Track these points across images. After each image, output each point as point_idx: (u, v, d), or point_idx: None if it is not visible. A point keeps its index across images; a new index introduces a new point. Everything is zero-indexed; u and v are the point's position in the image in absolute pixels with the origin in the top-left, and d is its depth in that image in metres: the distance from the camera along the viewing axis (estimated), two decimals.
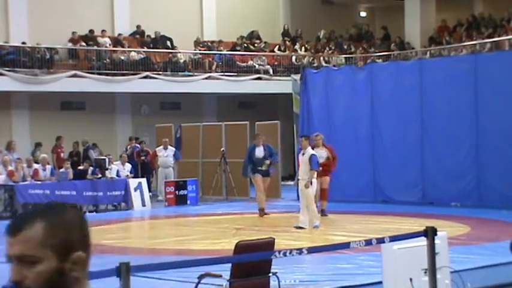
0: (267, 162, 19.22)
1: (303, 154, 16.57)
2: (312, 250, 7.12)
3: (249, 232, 15.99)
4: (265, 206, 19.65)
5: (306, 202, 16.46)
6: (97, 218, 20.45)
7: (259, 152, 18.98)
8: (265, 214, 19.28)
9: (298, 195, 18.35)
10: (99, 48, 29.22)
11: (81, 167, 23.02)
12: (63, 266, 2.30)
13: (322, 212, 18.16)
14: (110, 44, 29.91)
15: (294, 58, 32.85)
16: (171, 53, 30.54)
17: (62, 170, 22.64)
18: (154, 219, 20.98)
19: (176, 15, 32.65)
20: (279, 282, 7.95)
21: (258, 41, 33.45)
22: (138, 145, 27.53)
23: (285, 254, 6.47)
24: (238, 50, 32.37)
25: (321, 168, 17.43)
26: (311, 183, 16.37)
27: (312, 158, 16.35)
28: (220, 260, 7.28)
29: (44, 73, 27.19)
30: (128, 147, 27.51)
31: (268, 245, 7.53)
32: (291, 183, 27.38)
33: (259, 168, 18.94)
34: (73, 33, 29.37)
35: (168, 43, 31.31)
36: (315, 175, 16.57)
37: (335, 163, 18.58)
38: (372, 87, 22.83)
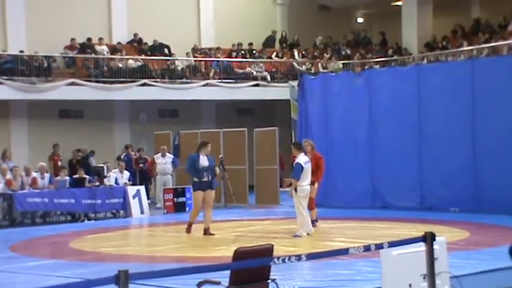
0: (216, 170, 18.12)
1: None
2: (310, 256, 7.11)
3: (247, 239, 15.98)
4: (209, 225, 17.53)
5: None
6: (95, 226, 20.48)
7: (204, 161, 17.63)
8: (210, 234, 17.19)
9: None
10: (96, 56, 29.23)
11: (76, 176, 22.98)
12: None
13: (313, 223, 17.55)
14: (107, 52, 29.93)
15: (295, 64, 32.83)
16: (168, 60, 30.56)
17: (57, 178, 22.63)
18: (153, 227, 20.96)
19: (174, 22, 32.70)
20: None
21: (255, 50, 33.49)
22: (133, 153, 27.51)
23: (283, 261, 6.47)
24: (236, 57, 32.41)
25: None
26: (295, 191, 16.05)
27: (294, 166, 16.20)
28: (219, 267, 7.27)
29: (41, 81, 27.22)
30: (122, 155, 27.49)
31: (267, 252, 7.52)
32: (289, 189, 27.42)
33: (203, 179, 17.62)
34: (72, 39, 29.40)
35: (166, 50, 31.34)
36: (304, 183, 16.12)
37: (319, 172, 18.05)
38: (369, 93, 22.84)
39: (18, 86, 26.67)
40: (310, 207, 17.46)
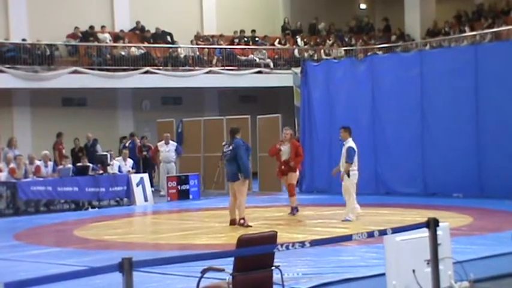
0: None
1: (344, 145, 16.21)
2: (314, 243, 7.11)
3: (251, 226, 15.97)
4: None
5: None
6: (99, 214, 20.52)
7: None
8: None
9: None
10: (99, 44, 29.22)
11: (80, 164, 23.01)
12: None
13: (292, 210, 17.60)
14: (110, 40, 29.92)
15: (296, 51, 32.82)
16: (171, 47, 30.53)
17: (60, 166, 22.66)
18: (157, 214, 20.99)
19: (176, 10, 32.65)
20: (281, 275, 7.95)
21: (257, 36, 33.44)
22: (138, 140, 27.53)
23: (287, 247, 6.47)
24: (238, 44, 32.37)
25: (283, 167, 17.20)
26: (348, 176, 16.03)
27: (348, 150, 16.02)
28: (223, 254, 7.28)
29: (44, 70, 27.24)
30: (127, 143, 27.50)
31: (270, 239, 7.52)
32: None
33: None
34: (75, 28, 29.39)
35: (169, 38, 31.31)
36: (355, 167, 16.10)
37: (299, 160, 17.86)
38: (372, 79, 22.82)
39: (21, 74, 26.68)
40: (290, 194, 17.51)
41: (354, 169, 16.12)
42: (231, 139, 16.18)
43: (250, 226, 15.67)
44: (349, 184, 16.14)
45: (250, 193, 24.17)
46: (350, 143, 16.13)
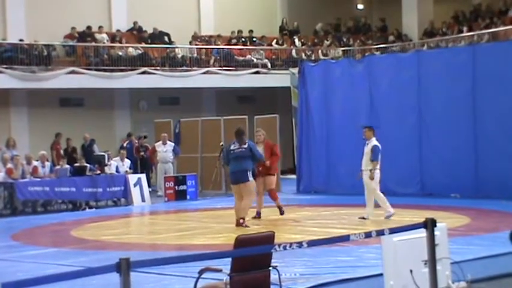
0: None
1: (367, 144, 16.35)
2: (311, 243, 7.11)
3: (250, 225, 15.96)
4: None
5: (368, 193, 16.39)
6: (97, 214, 20.51)
7: None
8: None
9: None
10: (96, 45, 29.20)
11: (77, 164, 23.00)
12: None
13: (280, 210, 17.31)
14: (107, 40, 29.91)
15: (293, 52, 32.83)
16: (168, 48, 30.52)
17: (58, 167, 22.65)
18: (154, 215, 20.98)
19: (173, 10, 32.65)
20: (279, 275, 7.94)
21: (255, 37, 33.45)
22: (135, 141, 27.52)
23: (285, 248, 6.47)
24: (236, 44, 32.37)
25: (260, 168, 17.00)
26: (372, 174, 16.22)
27: (373, 148, 16.17)
28: (220, 255, 7.28)
29: (42, 70, 27.22)
30: (125, 143, 27.48)
31: (268, 239, 7.53)
32: (291, 176, 27.42)
33: None
34: (72, 28, 29.39)
35: (166, 38, 31.31)
36: (378, 166, 16.25)
37: (274, 159, 17.48)
38: (370, 79, 22.83)
39: (18, 74, 26.66)
40: (274, 199, 17.25)
41: (377, 168, 16.30)
42: (240, 139, 16.11)
43: (248, 227, 15.66)
44: (374, 183, 16.29)
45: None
46: (374, 141, 16.34)
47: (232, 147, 16.14)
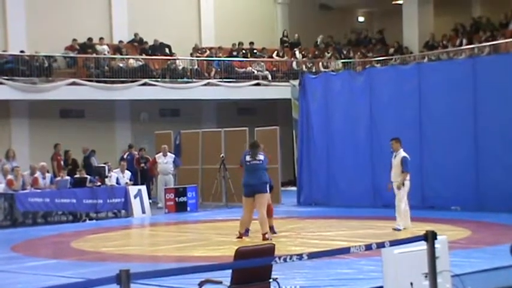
0: None
1: (395, 156, 16.56)
2: (312, 256, 7.10)
3: (249, 238, 15.96)
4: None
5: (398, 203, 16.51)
6: (97, 226, 20.48)
7: None
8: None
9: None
10: (97, 56, 29.22)
11: (77, 175, 22.99)
12: None
13: (272, 229, 16.31)
14: (108, 52, 29.93)
15: (294, 64, 32.87)
16: (169, 59, 30.56)
17: (58, 178, 22.63)
18: (154, 226, 20.97)
19: (174, 22, 32.71)
20: None
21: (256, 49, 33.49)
22: (136, 152, 27.50)
23: (285, 260, 6.46)
24: (237, 56, 32.41)
25: None
26: (403, 185, 16.39)
27: (403, 159, 16.38)
28: (220, 267, 7.27)
29: (42, 81, 27.23)
30: (126, 154, 27.46)
31: (268, 251, 7.53)
32: (292, 188, 27.40)
33: None
34: (73, 40, 29.42)
35: (167, 50, 31.34)
36: (408, 177, 16.44)
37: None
38: (370, 91, 22.84)
39: (19, 86, 26.67)
40: (270, 215, 16.40)
41: (407, 178, 16.48)
42: (254, 152, 16.00)
43: (271, 239, 15.15)
44: (403, 193, 16.46)
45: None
46: (403, 153, 16.54)
47: (248, 158, 16.01)
